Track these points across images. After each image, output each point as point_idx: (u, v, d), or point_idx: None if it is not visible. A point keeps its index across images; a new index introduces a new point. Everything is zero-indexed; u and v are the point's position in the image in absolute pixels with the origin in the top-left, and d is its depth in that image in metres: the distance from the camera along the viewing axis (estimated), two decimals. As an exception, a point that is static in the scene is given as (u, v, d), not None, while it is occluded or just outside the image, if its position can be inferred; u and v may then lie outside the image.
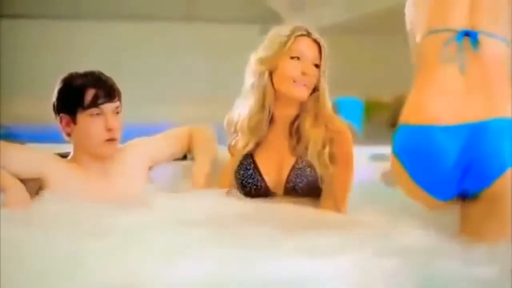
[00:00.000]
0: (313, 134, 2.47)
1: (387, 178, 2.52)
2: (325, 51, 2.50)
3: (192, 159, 2.73)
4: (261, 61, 2.50)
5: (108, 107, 2.49)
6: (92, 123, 2.48)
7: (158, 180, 2.67)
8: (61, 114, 2.50)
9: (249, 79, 2.54)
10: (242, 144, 2.54)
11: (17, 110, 8.60)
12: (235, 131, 2.58)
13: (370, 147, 2.94)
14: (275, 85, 2.50)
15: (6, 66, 9.90)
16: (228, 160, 2.61)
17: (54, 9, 11.02)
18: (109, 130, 2.48)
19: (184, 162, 2.77)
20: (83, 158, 2.52)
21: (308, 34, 2.50)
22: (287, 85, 2.48)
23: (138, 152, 2.64)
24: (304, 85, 2.47)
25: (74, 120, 2.49)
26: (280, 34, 2.50)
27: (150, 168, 2.68)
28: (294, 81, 2.47)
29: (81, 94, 2.47)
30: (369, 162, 2.77)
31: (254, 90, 2.52)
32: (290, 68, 2.47)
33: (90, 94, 2.47)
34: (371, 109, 9.94)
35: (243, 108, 2.55)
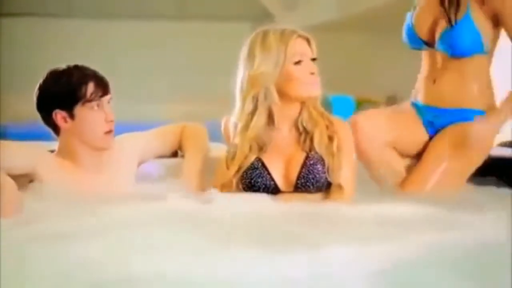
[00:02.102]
0: (317, 123, 2.51)
1: None
2: (313, 41, 2.53)
3: (183, 156, 2.74)
4: (262, 77, 2.47)
5: (105, 99, 2.51)
6: (93, 116, 2.48)
7: (147, 177, 2.69)
8: (55, 111, 2.48)
9: (248, 99, 2.49)
10: (241, 156, 2.51)
11: (15, 108, 8.59)
12: (233, 141, 2.56)
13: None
14: (288, 91, 2.49)
15: (4, 63, 9.89)
16: (220, 162, 2.58)
17: (50, 8, 11.01)
18: (109, 121, 2.50)
19: (174, 159, 2.77)
20: (77, 152, 2.51)
21: (297, 33, 2.51)
22: (300, 89, 2.49)
23: (129, 147, 2.64)
24: (315, 83, 2.50)
25: (71, 115, 2.48)
26: (270, 43, 2.47)
27: (140, 163, 2.69)
28: (309, 83, 2.49)
29: (82, 87, 2.46)
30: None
31: (259, 105, 2.49)
32: (298, 74, 2.48)
33: (91, 87, 2.47)
34: (362, 107, 9.96)
35: (244, 127, 2.51)
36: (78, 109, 2.47)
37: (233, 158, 2.53)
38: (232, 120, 2.55)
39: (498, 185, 2.73)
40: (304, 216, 2.21)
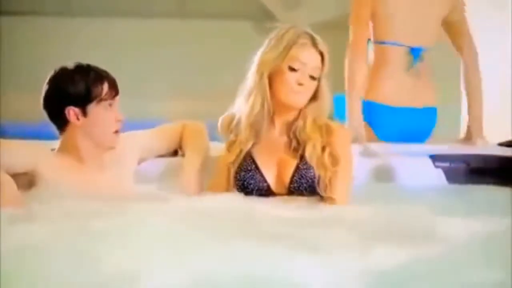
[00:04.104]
0: (311, 137, 2.49)
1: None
2: (327, 58, 2.50)
3: (183, 155, 2.73)
4: (263, 63, 2.50)
5: (117, 99, 2.53)
6: (105, 115, 2.50)
7: (147, 176, 2.69)
8: (69, 107, 2.48)
9: (251, 78, 2.53)
10: (242, 139, 2.52)
11: (14, 107, 8.58)
12: (232, 131, 2.56)
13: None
14: (274, 90, 2.50)
15: (4, 62, 9.88)
16: (219, 161, 2.60)
17: (50, 6, 11.01)
18: (118, 121, 2.53)
19: (174, 158, 2.77)
20: (82, 150, 2.51)
21: (313, 42, 2.49)
22: (285, 93, 2.48)
23: (130, 146, 2.65)
24: (302, 93, 2.48)
25: (84, 113, 2.49)
26: (284, 38, 2.49)
27: (140, 162, 2.69)
28: (293, 90, 2.47)
29: (98, 86, 2.49)
30: (359, 158, 2.81)
31: (255, 89, 2.50)
32: (287, 79, 2.47)
33: (106, 86, 2.50)
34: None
35: (244, 106, 2.53)
36: (92, 107, 2.49)
37: (233, 141, 2.54)
38: (236, 104, 2.56)
39: (498, 184, 2.73)
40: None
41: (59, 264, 1.62)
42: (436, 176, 2.86)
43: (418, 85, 3.22)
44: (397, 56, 3.20)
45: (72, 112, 2.48)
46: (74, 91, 2.48)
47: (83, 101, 2.48)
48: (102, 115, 2.50)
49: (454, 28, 3.20)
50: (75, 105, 2.48)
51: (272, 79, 2.50)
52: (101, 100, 2.49)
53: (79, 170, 2.52)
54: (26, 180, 2.47)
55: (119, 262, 1.62)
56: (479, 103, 3.22)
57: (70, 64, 2.53)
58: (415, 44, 3.18)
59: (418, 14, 3.15)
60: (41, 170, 2.47)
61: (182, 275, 1.56)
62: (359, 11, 3.13)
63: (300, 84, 2.47)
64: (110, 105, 2.51)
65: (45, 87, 2.52)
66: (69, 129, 2.51)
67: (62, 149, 2.55)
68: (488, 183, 2.71)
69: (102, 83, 2.49)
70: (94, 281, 1.56)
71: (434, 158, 2.89)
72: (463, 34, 3.20)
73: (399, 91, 3.19)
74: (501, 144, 3.08)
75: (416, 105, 3.21)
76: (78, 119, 2.49)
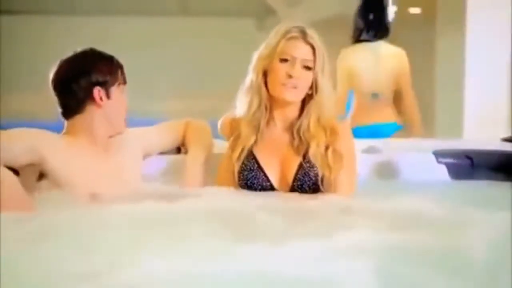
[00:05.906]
0: (315, 136, 2.48)
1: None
2: (320, 52, 2.49)
3: (186, 153, 2.73)
4: (257, 61, 2.52)
5: (126, 87, 2.59)
6: (122, 99, 2.56)
7: (151, 173, 2.69)
8: (97, 87, 2.50)
9: (249, 77, 2.54)
10: (243, 137, 2.52)
11: (15, 107, 8.59)
12: (233, 131, 2.56)
13: (362, 139, 2.98)
14: (268, 86, 2.51)
15: (4, 62, 9.89)
16: (223, 157, 2.60)
17: (51, 5, 11.02)
18: (126, 108, 2.58)
19: (177, 156, 2.77)
20: (97, 131, 2.52)
21: (303, 36, 2.49)
22: (277, 88, 2.48)
23: (133, 141, 2.65)
24: (294, 87, 2.48)
25: (108, 95, 2.53)
26: (276, 34, 2.51)
27: (143, 158, 2.69)
28: (284, 84, 2.47)
29: (118, 71, 2.55)
30: (361, 155, 2.80)
31: (252, 88, 2.51)
32: (278, 71, 2.47)
33: (123, 71, 2.57)
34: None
35: (242, 105, 2.54)
36: (114, 90, 2.54)
37: (236, 142, 2.54)
38: (237, 102, 2.57)
39: (501, 180, 2.73)
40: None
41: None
42: (439, 172, 2.86)
43: (377, 109, 4.34)
44: (363, 97, 4.38)
45: (97, 92, 2.51)
46: (102, 72, 2.52)
47: (109, 83, 2.53)
48: (120, 98, 2.56)
49: (399, 85, 4.39)
50: (101, 86, 2.52)
51: (267, 76, 2.51)
52: (119, 84, 2.54)
53: (89, 152, 2.51)
54: (36, 172, 2.43)
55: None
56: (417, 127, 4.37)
57: (86, 49, 2.57)
58: (374, 91, 4.37)
59: (378, 77, 4.37)
60: (46, 155, 2.42)
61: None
62: (340, 89, 4.34)
63: (290, 76, 2.46)
64: (123, 90, 2.56)
65: (63, 67, 2.53)
66: (87, 109, 2.52)
67: (71, 131, 2.53)
68: (491, 178, 2.71)
69: (121, 68, 2.56)
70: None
71: (437, 154, 2.89)
72: (405, 91, 4.38)
73: (364, 114, 4.31)
74: (504, 140, 3.09)
75: (376, 121, 4.32)
76: (102, 100, 2.52)
